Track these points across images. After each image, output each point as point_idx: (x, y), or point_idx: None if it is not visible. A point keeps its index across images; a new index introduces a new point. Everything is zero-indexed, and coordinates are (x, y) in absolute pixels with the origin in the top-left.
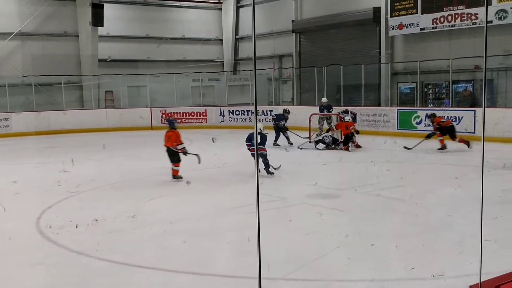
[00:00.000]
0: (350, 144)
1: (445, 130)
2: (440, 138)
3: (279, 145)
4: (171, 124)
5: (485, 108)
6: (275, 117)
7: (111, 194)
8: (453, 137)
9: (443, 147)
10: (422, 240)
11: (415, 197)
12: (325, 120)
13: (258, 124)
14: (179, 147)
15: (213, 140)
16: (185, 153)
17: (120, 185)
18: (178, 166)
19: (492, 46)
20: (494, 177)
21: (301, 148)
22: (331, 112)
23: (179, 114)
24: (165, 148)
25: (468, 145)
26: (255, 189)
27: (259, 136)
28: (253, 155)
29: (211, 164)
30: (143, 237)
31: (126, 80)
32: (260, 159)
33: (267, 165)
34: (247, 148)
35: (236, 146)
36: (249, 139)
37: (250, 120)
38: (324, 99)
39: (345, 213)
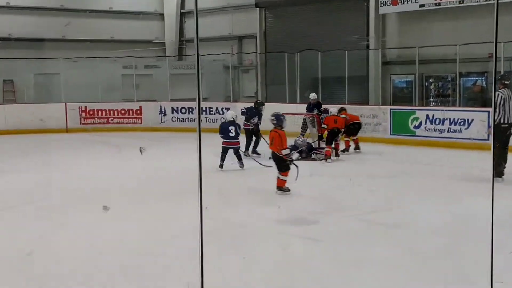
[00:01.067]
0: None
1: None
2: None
3: (259, 153)
4: (279, 121)
5: (495, 108)
6: (245, 112)
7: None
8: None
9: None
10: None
11: (405, 221)
12: (312, 123)
13: (230, 112)
14: (283, 152)
15: (140, 151)
16: (290, 161)
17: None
18: (286, 175)
19: (510, 27)
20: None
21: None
22: (321, 112)
23: (104, 112)
24: None
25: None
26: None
27: (232, 128)
28: (225, 149)
29: (147, 177)
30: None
31: (32, 66)
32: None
33: (239, 157)
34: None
35: (183, 154)
36: (222, 132)
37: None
38: (313, 95)
39: (321, 243)
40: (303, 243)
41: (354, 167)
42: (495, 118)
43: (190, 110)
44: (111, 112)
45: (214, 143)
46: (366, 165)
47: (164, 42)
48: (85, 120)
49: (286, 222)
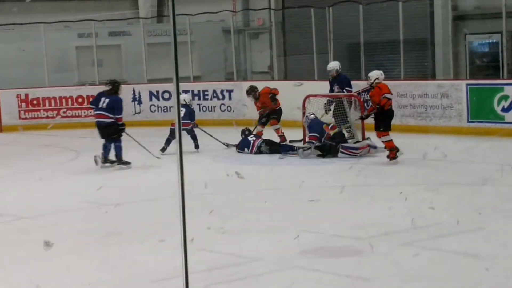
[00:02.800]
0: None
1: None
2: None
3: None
4: None
5: None
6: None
7: None
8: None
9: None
10: None
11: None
12: (335, 106)
13: (184, 96)
14: None
15: (95, 161)
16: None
17: None
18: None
19: None
20: None
21: (281, 158)
22: (344, 89)
23: (53, 102)
24: None
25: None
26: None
27: (182, 110)
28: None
29: (110, 197)
30: None
31: None
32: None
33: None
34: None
35: (166, 160)
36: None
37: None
38: (332, 64)
39: (371, 283)
40: (344, 285)
41: (409, 172)
42: None
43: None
44: (63, 101)
45: (211, 143)
46: (428, 169)
47: None
48: (27, 113)
49: (313, 253)
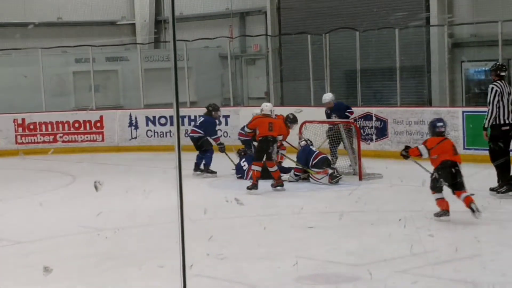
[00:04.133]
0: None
1: None
2: None
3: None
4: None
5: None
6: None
7: None
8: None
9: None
10: None
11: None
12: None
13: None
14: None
15: (95, 187)
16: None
17: None
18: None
19: None
20: None
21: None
22: (342, 116)
23: (50, 127)
24: None
25: None
26: None
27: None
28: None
29: (108, 226)
30: None
31: None
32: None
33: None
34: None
35: (164, 186)
36: None
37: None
38: (328, 96)
39: None
40: None
41: (407, 199)
42: (490, 118)
43: (173, 120)
44: (60, 125)
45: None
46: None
47: (134, 24)
48: (23, 138)
49: (310, 279)
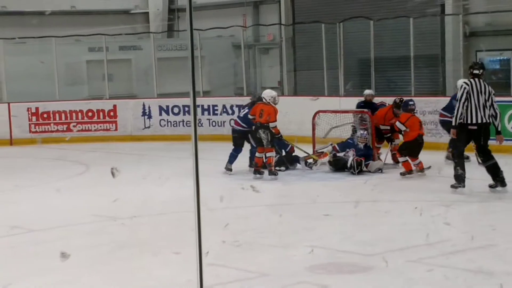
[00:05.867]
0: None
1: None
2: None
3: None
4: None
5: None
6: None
7: None
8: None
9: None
10: None
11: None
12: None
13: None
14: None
15: (112, 174)
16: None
17: None
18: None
19: None
20: None
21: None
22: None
23: (63, 116)
24: None
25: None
26: None
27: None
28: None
29: (122, 213)
30: None
31: None
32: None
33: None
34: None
35: (178, 176)
36: None
37: (201, 124)
38: (368, 91)
39: None
40: None
41: (423, 188)
42: (456, 116)
43: (187, 109)
44: (73, 114)
45: (222, 158)
46: (442, 185)
47: (148, 13)
48: (37, 127)
49: (323, 268)
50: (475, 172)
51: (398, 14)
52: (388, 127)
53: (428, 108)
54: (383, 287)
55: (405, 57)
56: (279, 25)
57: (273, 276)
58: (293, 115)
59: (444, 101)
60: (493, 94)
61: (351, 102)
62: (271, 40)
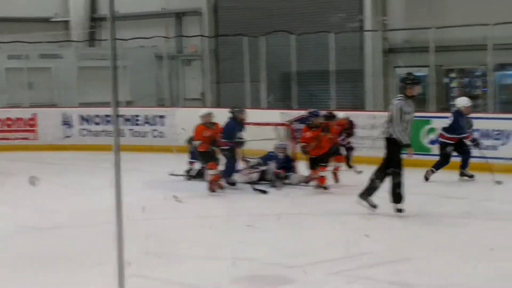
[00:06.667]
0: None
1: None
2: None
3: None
4: None
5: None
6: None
7: None
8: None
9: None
10: None
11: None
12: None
13: None
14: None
15: (31, 182)
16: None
17: None
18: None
19: None
20: None
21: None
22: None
23: None
24: None
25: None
26: None
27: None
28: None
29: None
30: None
31: None
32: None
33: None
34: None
35: (99, 186)
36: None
37: (123, 134)
38: (342, 115)
39: None
40: None
41: (345, 201)
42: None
43: (108, 119)
44: None
45: (144, 168)
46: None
47: (69, 21)
48: None
49: (247, 280)
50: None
51: (319, 28)
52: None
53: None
54: None
55: (326, 71)
56: (202, 37)
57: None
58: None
59: (363, 115)
60: None
61: (273, 115)
62: (193, 52)
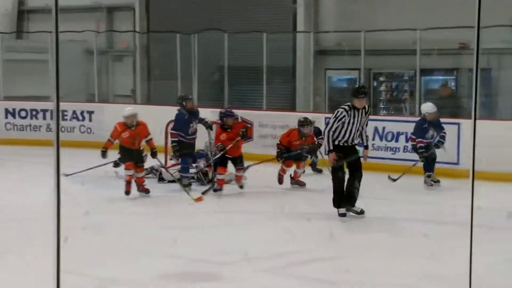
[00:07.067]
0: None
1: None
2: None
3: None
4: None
5: (476, 120)
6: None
7: None
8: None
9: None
10: None
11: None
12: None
13: None
14: None
15: None
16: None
17: None
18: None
19: (493, 10)
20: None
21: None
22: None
23: None
24: None
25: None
26: None
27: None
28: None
29: None
30: None
31: None
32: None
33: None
34: None
35: (23, 182)
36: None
37: (50, 129)
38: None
39: None
40: None
41: (274, 200)
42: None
43: (34, 113)
44: None
45: (71, 164)
46: (291, 199)
47: None
48: None
49: (175, 277)
50: (319, 185)
51: (252, 28)
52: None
53: (279, 122)
54: None
55: (258, 71)
56: (134, 33)
57: (125, 283)
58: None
59: (293, 116)
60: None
61: (204, 113)
62: (124, 48)
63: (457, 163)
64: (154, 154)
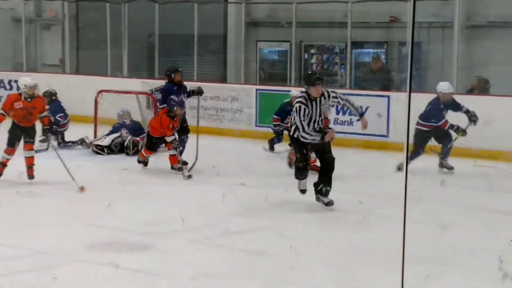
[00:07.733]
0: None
1: None
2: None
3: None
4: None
5: (411, 94)
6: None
7: None
8: None
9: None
10: None
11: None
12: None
13: None
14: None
15: None
16: None
17: None
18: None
19: None
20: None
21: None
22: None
23: None
24: None
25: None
26: None
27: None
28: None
29: None
30: None
31: None
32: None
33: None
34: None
35: None
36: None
37: None
38: (294, 92)
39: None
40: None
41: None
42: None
43: None
44: None
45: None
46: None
47: None
48: None
49: (102, 247)
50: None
51: None
52: None
53: (210, 94)
54: (161, 266)
55: (189, 42)
56: (62, 1)
57: (50, 254)
58: (75, 93)
59: (224, 88)
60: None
61: (134, 83)
62: (53, 16)
63: (386, 136)
64: (44, 131)
